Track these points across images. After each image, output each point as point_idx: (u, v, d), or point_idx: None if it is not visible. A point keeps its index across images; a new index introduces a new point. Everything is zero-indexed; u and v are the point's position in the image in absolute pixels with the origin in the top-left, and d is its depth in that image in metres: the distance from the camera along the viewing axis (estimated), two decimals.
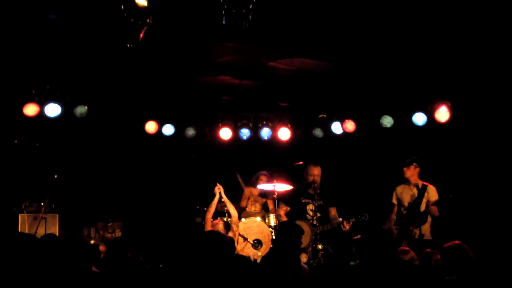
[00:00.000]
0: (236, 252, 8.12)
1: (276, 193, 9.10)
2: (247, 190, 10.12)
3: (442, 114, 9.09)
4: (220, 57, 8.64)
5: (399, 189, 8.78)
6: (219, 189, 9.05)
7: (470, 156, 9.24)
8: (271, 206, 10.01)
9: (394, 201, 8.79)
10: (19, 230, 9.32)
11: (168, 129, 10.25)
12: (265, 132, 10.49)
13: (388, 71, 8.88)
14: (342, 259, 8.61)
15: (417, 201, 8.46)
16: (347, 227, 8.50)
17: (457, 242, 6.06)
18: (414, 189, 8.56)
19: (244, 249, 9.02)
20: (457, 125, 9.12)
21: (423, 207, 8.37)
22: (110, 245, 9.40)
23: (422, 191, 8.47)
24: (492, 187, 8.93)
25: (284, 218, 8.89)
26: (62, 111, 9.19)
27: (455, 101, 9.03)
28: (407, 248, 6.55)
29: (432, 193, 8.54)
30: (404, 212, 8.67)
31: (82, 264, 5.15)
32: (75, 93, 9.32)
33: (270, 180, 9.58)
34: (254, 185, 10.02)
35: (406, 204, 8.66)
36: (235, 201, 9.85)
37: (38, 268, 4.76)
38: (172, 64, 8.80)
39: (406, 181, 8.71)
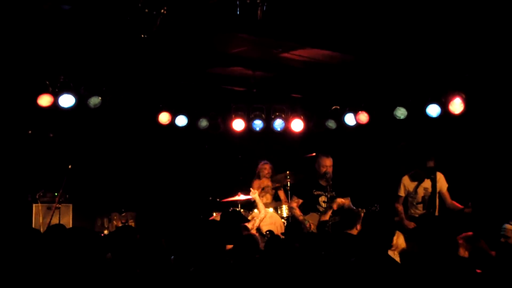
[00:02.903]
0: None
1: (288, 183, 9.18)
2: (256, 183, 10.13)
3: (456, 105, 9.03)
4: (233, 48, 8.63)
5: (406, 180, 8.73)
6: (253, 193, 9.14)
7: (484, 148, 9.19)
8: (282, 196, 10.04)
9: (402, 193, 8.73)
10: (33, 220, 9.39)
11: (181, 120, 10.27)
12: (278, 124, 10.50)
13: (401, 62, 8.83)
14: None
15: (433, 192, 8.43)
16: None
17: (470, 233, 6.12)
18: (426, 181, 8.54)
19: None
20: (471, 117, 9.06)
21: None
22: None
23: (434, 181, 8.44)
24: (507, 179, 8.89)
25: (297, 211, 8.89)
26: (76, 102, 9.20)
27: (470, 93, 8.97)
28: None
29: (442, 182, 8.53)
30: (418, 205, 8.64)
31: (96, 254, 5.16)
32: (89, 84, 9.33)
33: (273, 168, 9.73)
34: (260, 177, 10.07)
35: (419, 197, 8.61)
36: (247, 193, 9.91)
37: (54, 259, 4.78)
38: (185, 55, 8.80)
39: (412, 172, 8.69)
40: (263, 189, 10.02)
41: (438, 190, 8.51)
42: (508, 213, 8.10)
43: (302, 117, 10.47)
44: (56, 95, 9.11)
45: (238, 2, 5.78)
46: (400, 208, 8.74)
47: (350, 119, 10.13)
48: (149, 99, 10.00)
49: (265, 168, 10.05)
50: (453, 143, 9.49)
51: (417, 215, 8.62)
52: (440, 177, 8.54)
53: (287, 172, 9.46)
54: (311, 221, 8.59)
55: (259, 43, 8.36)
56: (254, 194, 9.23)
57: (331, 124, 10.41)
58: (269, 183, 10.07)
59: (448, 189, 8.58)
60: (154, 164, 10.86)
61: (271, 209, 9.65)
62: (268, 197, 10.14)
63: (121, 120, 10.08)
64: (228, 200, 9.64)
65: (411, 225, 8.48)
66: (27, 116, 9.53)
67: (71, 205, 9.75)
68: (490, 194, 8.81)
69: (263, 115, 10.51)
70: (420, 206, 8.65)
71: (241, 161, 11.25)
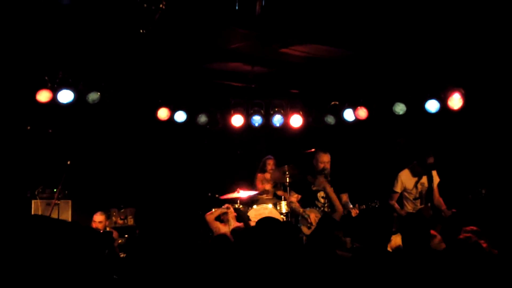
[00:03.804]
0: None
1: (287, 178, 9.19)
2: (260, 176, 10.17)
3: (455, 101, 9.04)
4: (232, 43, 8.61)
5: (404, 176, 8.73)
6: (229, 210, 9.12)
7: (483, 144, 9.20)
8: (279, 193, 10.06)
9: (399, 189, 8.73)
10: None
11: (180, 116, 10.26)
12: (277, 119, 10.49)
13: (401, 57, 8.83)
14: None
15: (429, 187, 8.44)
16: (353, 213, 8.53)
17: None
18: (423, 177, 8.56)
19: None
20: (470, 112, 9.07)
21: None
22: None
23: (430, 176, 8.46)
24: (505, 175, 8.90)
25: (297, 204, 8.90)
26: (74, 97, 9.19)
27: (468, 88, 8.98)
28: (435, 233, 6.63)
29: (434, 176, 8.55)
30: (416, 200, 8.66)
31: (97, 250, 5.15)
32: (88, 80, 9.31)
33: (277, 164, 9.74)
34: (263, 171, 10.10)
35: (417, 193, 8.63)
36: (252, 186, 9.94)
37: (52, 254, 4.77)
38: (184, 50, 8.79)
39: (410, 167, 8.70)
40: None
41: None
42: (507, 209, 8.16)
43: (301, 112, 10.46)
44: (55, 91, 9.09)
45: None
46: (397, 205, 8.75)
47: (349, 115, 10.13)
48: (148, 95, 9.98)
49: (269, 163, 10.11)
50: (452, 139, 9.50)
51: (415, 211, 8.63)
52: (434, 173, 8.56)
53: (285, 166, 9.42)
54: (311, 215, 8.61)
55: (258, 38, 8.35)
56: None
57: (330, 119, 10.41)
58: (272, 179, 10.13)
59: (439, 184, 8.59)
60: (153, 160, 10.86)
61: (270, 205, 9.66)
62: (271, 191, 10.18)
63: (120, 116, 10.07)
64: (227, 197, 9.65)
65: None
66: (26, 112, 9.51)
67: (70, 201, 9.75)
68: (489, 189, 8.82)
69: (262, 111, 10.51)
70: (418, 202, 8.67)
71: (240, 157, 11.25)
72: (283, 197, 9.88)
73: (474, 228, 6.52)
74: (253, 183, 10.19)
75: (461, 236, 6.36)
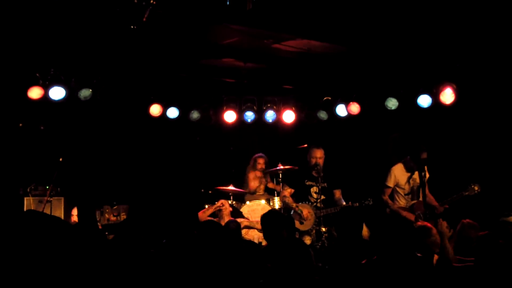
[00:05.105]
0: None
1: (280, 174, 9.18)
2: (251, 174, 10.15)
3: (447, 96, 9.06)
4: (224, 39, 8.60)
5: (397, 171, 8.72)
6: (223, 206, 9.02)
7: (475, 139, 9.22)
8: (271, 185, 10.05)
9: (392, 184, 8.72)
10: None
11: (173, 112, 10.25)
12: (270, 115, 10.49)
13: (393, 53, 8.83)
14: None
15: (421, 183, 8.44)
16: None
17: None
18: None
19: (249, 232, 9.04)
20: (462, 107, 9.09)
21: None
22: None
23: (422, 172, 8.45)
24: (496, 170, 8.93)
25: (290, 199, 8.89)
26: (66, 94, 9.17)
27: (460, 83, 8.99)
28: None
29: (426, 173, 8.56)
30: (407, 196, 8.66)
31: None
32: (80, 76, 9.29)
33: (268, 163, 9.74)
34: (254, 169, 10.09)
35: (409, 188, 8.63)
36: (243, 186, 9.91)
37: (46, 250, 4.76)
38: (176, 46, 8.76)
39: (404, 162, 8.69)
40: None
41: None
42: (500, 204, 8.16)
43: (293, 108, 10.47)
44: (46, 88, 9.07)
45: None
46: (390, 200, 8.75)
47: (341, 110, 10.14)
48: (140, 91, 9.97)
49: (259, 163, 10.06)
50: (444, 134, 9.51)
51: (407, 207, 8.64)
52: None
53: (279, 165, 9.41)
54: (304, 210, 8.62)
55: (250, 34, 8.33)
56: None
57: (323, 115, 10.41)
58: (262, 176, 10.12)
59: (429, 180, 8.60)
60: (146, 156, 10.83)
61: (263, 201, 9.66)
62: (262, 188, 10.17)
63: (112, 112, 10.05)
64: (221, 188, 9.63)
65: (411, 216, 8.45)
66: (17, 109, 9.47)
67: (62, 198, 9.72)
68: (481, 184, 8.84)
69: (254, 107, 10.50)
70: (409, 197, 8.68)
71: (233, 153, 11.25)
72: (275, 192, 9.88)
73: (472, 222, 6.53)
74: (244, 180, 10.18)
75: (482, 233, 6.20)
